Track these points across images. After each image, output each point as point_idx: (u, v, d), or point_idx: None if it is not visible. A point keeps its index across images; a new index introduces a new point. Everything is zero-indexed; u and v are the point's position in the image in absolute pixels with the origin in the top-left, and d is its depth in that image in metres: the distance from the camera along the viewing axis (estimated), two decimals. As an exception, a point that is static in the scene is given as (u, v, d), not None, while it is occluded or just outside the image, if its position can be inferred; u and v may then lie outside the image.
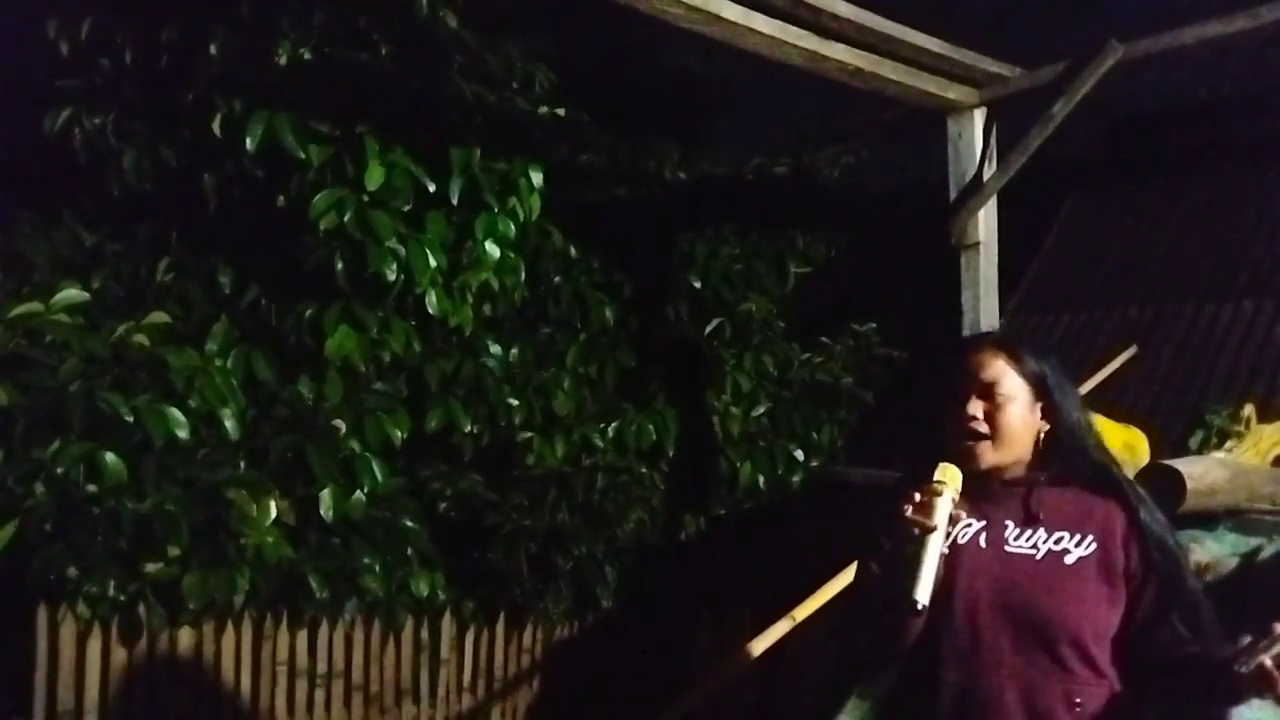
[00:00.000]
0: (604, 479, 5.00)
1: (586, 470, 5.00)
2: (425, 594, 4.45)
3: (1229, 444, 3.76)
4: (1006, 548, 1.82)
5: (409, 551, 4.45)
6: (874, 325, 5.87)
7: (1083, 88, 3.79)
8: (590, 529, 4.91)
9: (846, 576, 2.97)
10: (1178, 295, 4.88)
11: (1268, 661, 1.52)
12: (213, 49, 3.86)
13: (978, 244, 4.20)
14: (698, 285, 5.66)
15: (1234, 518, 2.80)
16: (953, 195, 4.24)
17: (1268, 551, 2.56)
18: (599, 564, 4.88)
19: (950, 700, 1.77)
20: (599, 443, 5.15)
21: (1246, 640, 1.57)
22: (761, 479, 5.35)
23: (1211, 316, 4.69)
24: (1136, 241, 5.42)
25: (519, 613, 4.86)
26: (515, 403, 4.89)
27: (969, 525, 1.84)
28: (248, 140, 3.82)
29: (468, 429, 4.73)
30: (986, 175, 4.15)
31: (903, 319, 5.73)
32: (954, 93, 4.09)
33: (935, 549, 1.66)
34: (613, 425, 5.21)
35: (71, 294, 3.62)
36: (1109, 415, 3.91)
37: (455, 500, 4.86)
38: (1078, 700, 1.73)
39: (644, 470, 5.14)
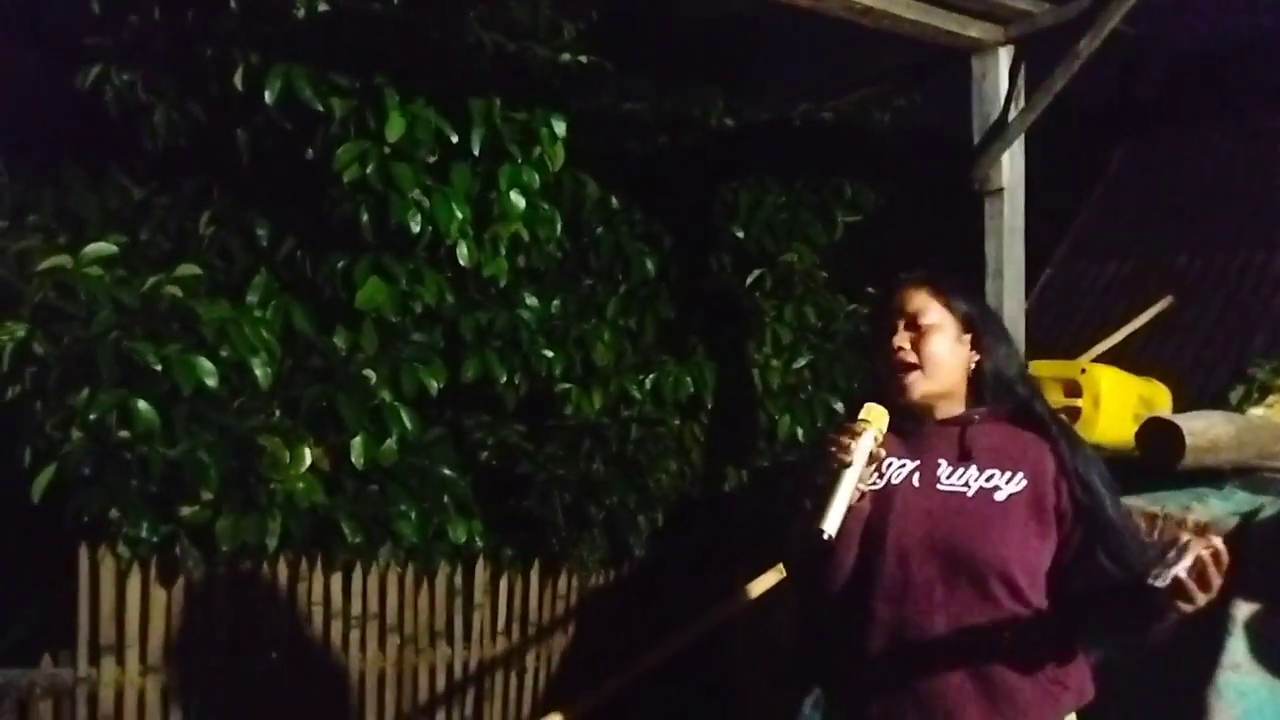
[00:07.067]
0: (638, 430, 5.00)
1: (620, 422, 5.02)
2: (462, 540, 4.55)
3: (1271, 399, 3.56)
4: (939, 486, 1.84)
5: (445, 499, 4.55)
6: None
7: (1110, 22, 3.57)
8: (624, 479, 4.93)
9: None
10: (1228, 243, 4.61)
11: (1182, 573, 1.54)
12: (232, 3, 3.92)
13: (1001, 189, 4.02)
14: (740, 235, 5.58)
15: (1243, 476, 2.67)
16: (976, 139, 4.06)
17: (1268, 511, 2.43)
18: (632, 514, 4.91)
19: (881, 636, 1.80)
20: (636, 394, 5.15)
21: (1160, 556, 1.59)
22: (800, 431, 5.29)
23: (1261, 265, 4.42)
24: (1190, 188, 5.12)
25: (555, 560, 4.93)
26: (551, 354, 4.92)
27: (903, 465, 1.87)
28: (267, 94, 3.88)
29: (504, 379, 4.78)
30: (1012, 118, 3.96)
31: (952, 266, 5.55)
32: (976, 30, 3.89)
33: (848, 483, 1.69)
34: (650, 377, 5.20)
35: (101, 247, 3.75)
36: (1143, 367, 3.75)
37: (496, 449, 4.94)
38: (1006, 634, 1.75)
39: (677, 423, 5.13)
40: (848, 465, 1.68)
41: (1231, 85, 5.49)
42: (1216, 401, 3.75)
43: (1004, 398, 1.88)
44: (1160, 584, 1.54)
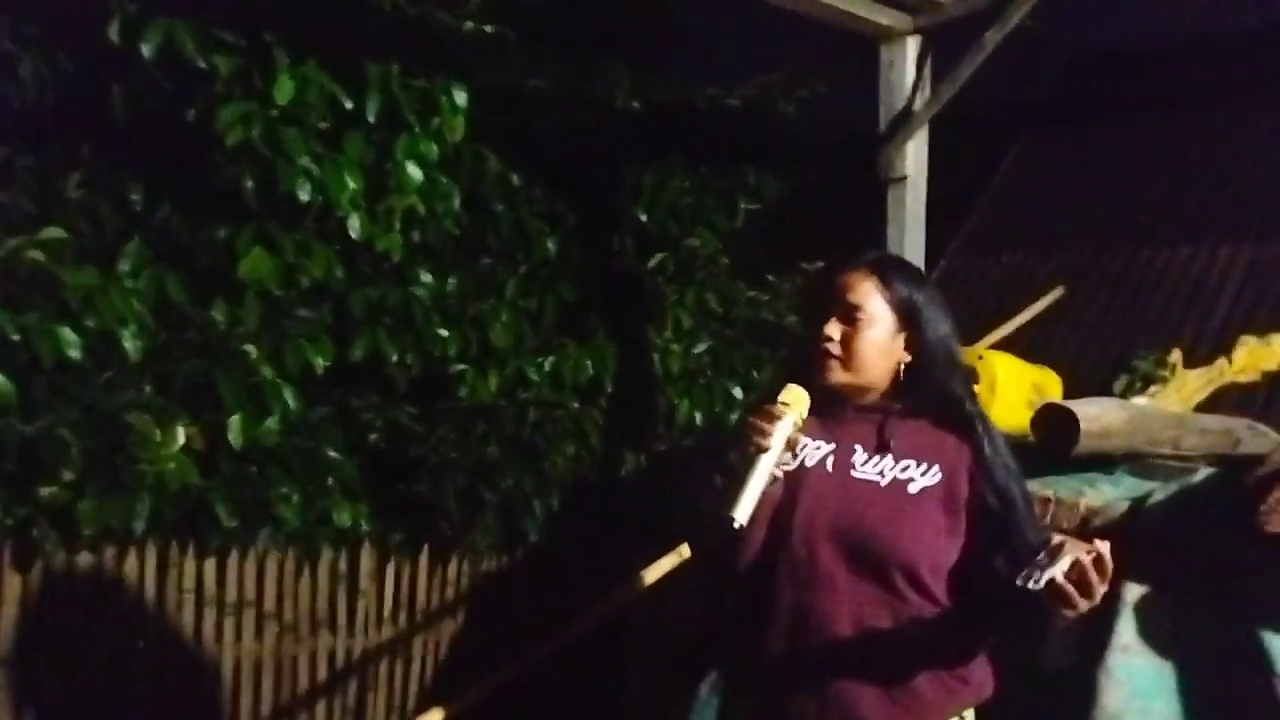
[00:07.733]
0: (535, 413, 4.90)
1: (517, 404, 4.90)
2: (347, 524, 4.37)
3: (1153, 389, 3.67)
4: (852, 473, 1.80)
5: (330, 481, 4.37)
6: (821, 264, 5.72)
7: (1016, 15, 3.62)
8: (519, 463, 4.82)
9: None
10: (1117, 238, 4.78)
11: (1058, 577, 1.49)
12: (109, -53, 3.67)
13: (905, 178, 4.05)
14: (643, 219, 5.52)
15: (1133, 462, 2.72)
16: (882, 127, 4.08)
17: (1158, 496, 2.48)
18: (527, 498, 4.80)
19: (783, 620, 1.76)
20: (535, 377, 5.04)
21: (1036, 558, 1.55)
22: (699, 416, 5.27)
23: (1147, 260, 4.59)
24: (1083, 184, 5.31)
25: (445, 545, 4.79)
26: (445, 334, 4.77)
27: (818, 448, 1.82)
28: (145, 48, 3.64)
29: (395, 359, 4.61)
30: (917, 107, 4.00)
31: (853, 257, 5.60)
32: (886, 18, 3.91)
33: (764, 469, 1.62)
34: (549, 360, 5.10)
35: (-48, 206, 3.46)
36: (1031, 356, 3.83)
37: (386, 430, 4.77)
38: (908, 627, 1.72)
39: (576, 406, 5.04)
40: (765, 450, 1.62)
41: (1129, 85, 5.69)
42: (1101, 391, 3.85)
43: (932, 396, 1.83)
44: (1032, 586, 1.50)
